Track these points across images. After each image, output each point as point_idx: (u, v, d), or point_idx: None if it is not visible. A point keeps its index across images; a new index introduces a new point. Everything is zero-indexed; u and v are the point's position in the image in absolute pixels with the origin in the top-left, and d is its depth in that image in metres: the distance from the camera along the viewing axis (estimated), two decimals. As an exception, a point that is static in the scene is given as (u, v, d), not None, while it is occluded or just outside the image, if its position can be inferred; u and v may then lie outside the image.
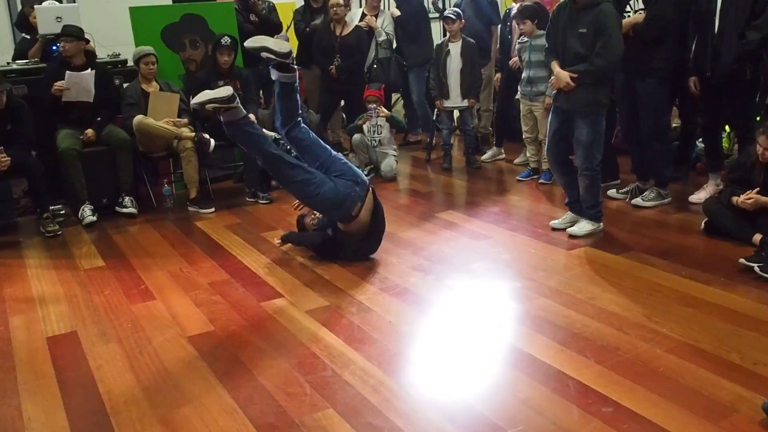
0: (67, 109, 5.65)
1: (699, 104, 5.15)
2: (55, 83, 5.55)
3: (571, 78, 4.39)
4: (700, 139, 5.67)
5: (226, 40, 6.02)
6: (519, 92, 6.18)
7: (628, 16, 4.90)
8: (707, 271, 3.92)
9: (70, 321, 3.78)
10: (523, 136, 6.21)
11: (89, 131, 5.65)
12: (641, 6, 4.85)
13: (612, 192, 5.42)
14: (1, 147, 5.06)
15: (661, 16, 4.74)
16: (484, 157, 6.88)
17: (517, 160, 6.66)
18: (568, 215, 4.83)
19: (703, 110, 5.14)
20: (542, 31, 5.68)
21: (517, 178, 6.21)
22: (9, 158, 5.07)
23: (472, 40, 6.47)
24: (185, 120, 5.89)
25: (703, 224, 4.55)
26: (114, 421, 2.81)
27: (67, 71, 5.56)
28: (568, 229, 4.71)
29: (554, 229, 4.79)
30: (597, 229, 4.68)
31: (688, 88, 5.00)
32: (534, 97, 5.91)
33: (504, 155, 6.89)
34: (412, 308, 3.72)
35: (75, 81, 5.57)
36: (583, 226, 4.66)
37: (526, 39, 5.88)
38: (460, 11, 6.57)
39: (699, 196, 5.10)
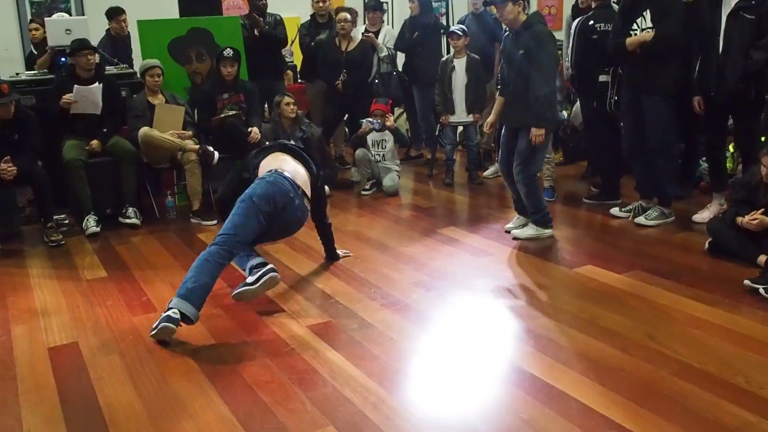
0: (73, 120, 5.67)
1: (703, 123, 5.16)
2: (63, 96, 5.58)
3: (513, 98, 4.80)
4: (704, 158, 5.67)
5: (228, 51, 6.06)
6: None
7: (635, 33, 4.90)
8: (711, 292, 3.91)
9: (72, 331, 3.78)
10: None
11: (95, 142, 5.67)
12: (649, 24, 4.83)
13: (615, 210, 5.43)
14: (8, 156, 5.09)
15: (670, 35, 4.75)
16: (486, 173, 6.89)
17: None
18: (520, 218, 5.13)
19: (707, 129, 5.15)
20: None
21: None
22: (15, 167, 5.09)
23: (476, 56, 6.51)
24: (190, 132, 5.91)
25: (707, 244, 4.54)
26: (113, 433, 2.80)
27: (76, 85, 5.58)
28: (512, 231, 5.02)
29: (507, 232, 5.12)
30: (542, 235, 4.94)
31: (691, 106, 5.01)
32: None
33: None
34: (413, 325, 3.71)
35: (83, 94, 5.60)
36: (526, 230, 4.98)
37: None
38: (465, 28, 6.61)
39: (703, 216, 5.10)
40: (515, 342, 3.48)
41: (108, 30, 7.31)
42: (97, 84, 5.70)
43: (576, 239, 5.01)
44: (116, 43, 7.20)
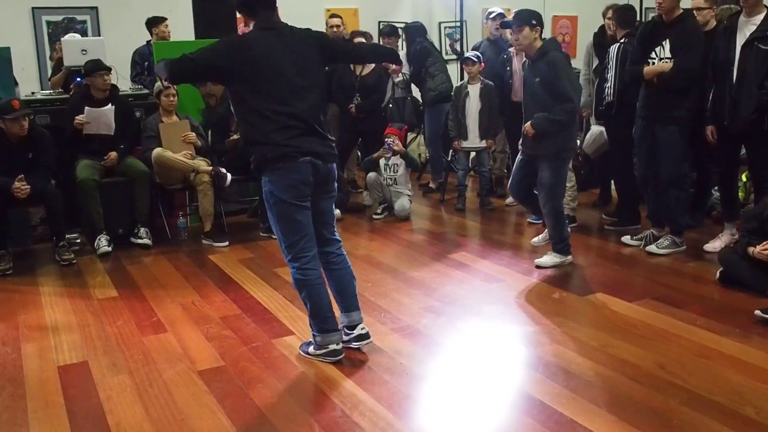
0: (87, 141, 5.73)
1: (716, 153, 5.15)
2: (76, 117, 5.64)
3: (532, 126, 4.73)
4: (716, 188, 5.66)
5: None
6: None
7: (654, 62, 4.90)
8: (722, 322, 3.88)
9: (82, 351, 3.79)
10: None
11: (112, 154, 5.74)
12: (667, 54, 4.83)
13: (626, 238, 5.41)
14: (22, 175, 5.14)
15: (689, 68, 4.75)
16: (508, 200, 6.82)
17: None
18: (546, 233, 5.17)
19: (720, 159, 5.14)
20: None
21: (528, 220, 6.20)
22: (29, 186, 5.14)
23: (491, 83, 6.54)
24: (193, 136, 5.95)
25: (718, 274, 4.51)
26: (121, 454, 2.80)
27: (87, 107, 5.64)
28: (536, 261, 5.01)
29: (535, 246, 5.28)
30: (564, 263, 4.96)
31: (705, 136, 5.00)
32: None
33: None
34: (423, 350, 3.70)
35: (94, 116, 5.66)
36: (550, 259, 4.96)
37: None
38: (479, 54, 6.65)
39: (714, 245, 5.08)
40: (525, 369, 3.46)
41: (148, 42, 7.39)
42: (109, 106, 5.76)
43: (587, 267, 5.00)
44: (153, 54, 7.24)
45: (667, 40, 4.84)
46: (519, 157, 5.03)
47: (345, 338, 3.65)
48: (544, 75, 4.63)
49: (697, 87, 4.89)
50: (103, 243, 5.54)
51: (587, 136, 6.07)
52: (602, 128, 6.00)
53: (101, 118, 5.70)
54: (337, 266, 3.69)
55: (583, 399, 3.10)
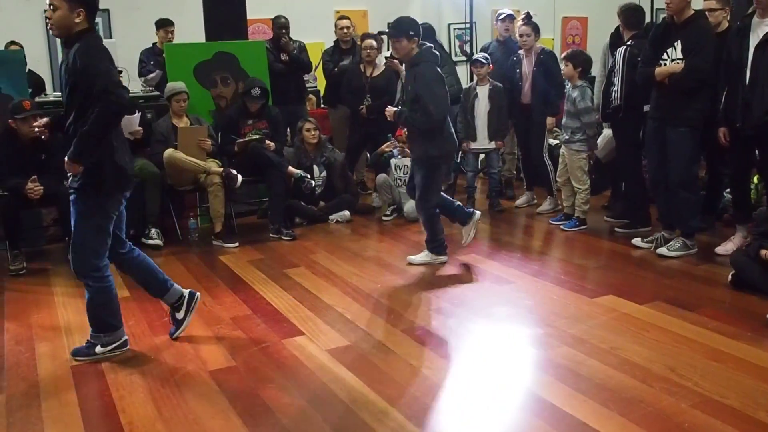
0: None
1: (727, 155, 5.13)
2: None
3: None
4: (728, 190, 5.64)
5: (256, 91, 6.12)
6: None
7: (665, 63, 4.89)
8: (734, 325, 3.87)
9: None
10: (557, 180, 6.21)
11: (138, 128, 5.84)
12: (679, 55, 4.82)
13: (637, 240, 5.40)
14: (35, 176, 5.17)
15: (700, 69, 4.73)
16: (518, 202, 6.85)
17: (540, 209, 6.61)
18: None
19: (732, 161, 5.12)
20: (582, 82, 5.74)
21: (550, 221, 6.20)
22: (41, 187, 5.17)
23: (499, 84, 6.54)
24: (209, 142, 5.98)
25: (730, 277, 4.49)
26: (134, 453, 2.82)
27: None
28: (408, 257, 5.19)
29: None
30: (435, 261, 5.13)
31: (716, 138, 4.98)
32: (565, 143, 5.93)
33: (536, 200, 6.83)
34: (433, 351, 3.71)
35: (125, 124, 5.69)
36: (422, 258, 5.16)
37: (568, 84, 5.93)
38: (488, 56, 6.66)
39: (726, 248, 5.06)
40: (535, 371, 3.47)
41: (154, 44, 7.44)
42: (137, 113, 5.82)
43: (597, 269, 5.00)
44: (159, 54, 7.30)
45: (679, 41, 4.83)
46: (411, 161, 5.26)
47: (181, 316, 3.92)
48: (413, 85, 4.79)
49: (709, 88, 4.85)
50: (113, 243, 5.57)
51: (599, 139, 6.05)
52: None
53: (130, 126, 5.74)
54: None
55: (593, 401, 3.09)
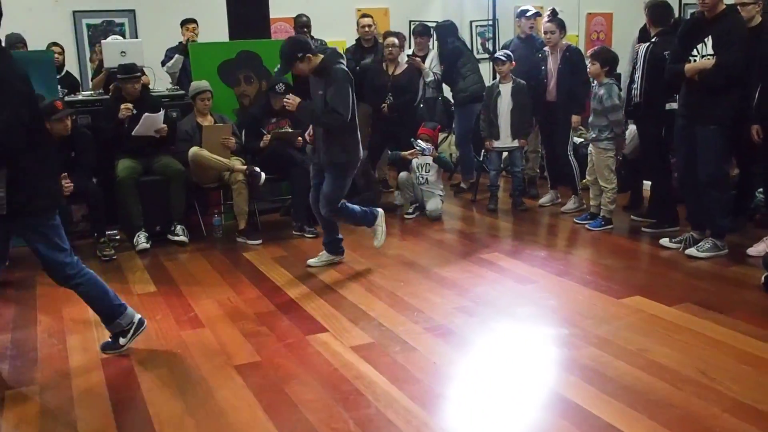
0: (128, 141, 5.82)
1: (759, 153, 5.04)
2: (123, 105, 5.76)
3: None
4: (760, 190, 5.54)
5: (280, 87, 6.14)
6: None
7: (695, 60, 4.82)
8: (766, 328, 3.79)
9: (123, 344, 3.87)
10: (586, 178, 6.17)
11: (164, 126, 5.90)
12: (710, 51, 4.74)
13: (664, 241, 5.33)
14: (65, 173, 5.24)
15: (731, 65, 4.63)
16: (542, 201, 6.83)
17: (565, 207, 6.57)
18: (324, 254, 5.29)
19: (764, 159, 5.02)
20: (608, 80, 5.70)
21: (575, 220, 6.16)
22: (72, 184, 5.24)
23: (522, 81, 6.51)
24: (233, 140, 6.03)
25: (762, 279, 4.40)
26: (162, 445, 2.86)
27: (145, 114, 5.75)
28: (308, 261, 5.23)
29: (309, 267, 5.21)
30: (334, 260, 5.23)
31: (748, 136, 4.89)
32: (592, 141, 5.89)
33: (560, 199, 6.80)
34: (455, 350, 3.71)
35: (150, 121, 5.76)
36: (320, 259, 5.23)
37: (594, 83, 5.90)
38: (510, 53, 6.63)
39: (758, 249, 4.96)
40: (559, 371, 3.45)
41: (180, 42, 7.50)
42: (161, 111, 5.88)
43: (623, 269, 4.95)
44: (182, 51, 7.35)
45: (710, 37, 4.72)
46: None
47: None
48: (325, 89, 4.79)
49: (740, 85, 4.76)
50: (141, 240, 5.65)
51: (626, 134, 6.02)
52: (639, 128, 5.97)
53: (154, 124, 5.80)
54: None
55: (620, 403, 3.07)
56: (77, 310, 4.40)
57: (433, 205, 6.44)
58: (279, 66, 5.11)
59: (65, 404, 3.22)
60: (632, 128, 6.05)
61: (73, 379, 3.47)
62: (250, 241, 5.82)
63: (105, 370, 3.54)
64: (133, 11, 8.84)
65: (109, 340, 3.75)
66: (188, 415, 3.07)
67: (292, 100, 4.94)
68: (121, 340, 3.71)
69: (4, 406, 3.24)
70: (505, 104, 6.53)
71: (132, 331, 3.73)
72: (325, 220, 5.13)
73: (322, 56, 4.83)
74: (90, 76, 8.14)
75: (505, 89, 6.52)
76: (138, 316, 3.78)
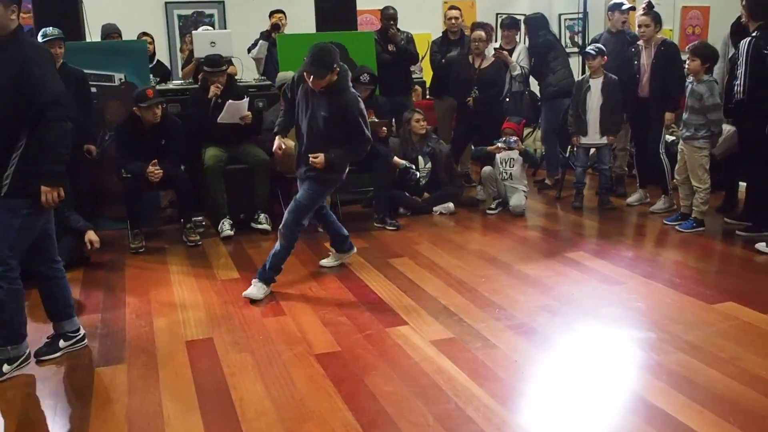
0: (215, 129, 5.95)
1: None
2: (213, 85, 5.90)
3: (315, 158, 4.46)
4: None
5: (365, 78, 6.16)
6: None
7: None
8: None
9: (207, 327, 3.97)
10: (675, 178, 5.96)
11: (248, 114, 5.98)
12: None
13: (761, 245, 5.07)
14: (155, 160, 5.41)
15: None
16: (630, 199, 6.62)
17: (654, 207, 6.34)
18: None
19: None
20: (708, 77, 5.48)
21: (664, 221, 5.95)
22: (161, 171, 5.40)
23: (614, 76, 6.32)
24: None
25: None
26: (244, 427, 2.92)
27: (229, 101, 5.86)
28: (321, 261, 5.06)
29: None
30: (344, 258, 5.05)
31: None
32: (685, 140, 5.68)
33: (649, 198, 6.57)
34: (538, 349, 3.64)
35: (235, 108, 5.88)
36: (332, 258, 5.06)
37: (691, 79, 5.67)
38: (602, 47, 6.44)
39: None
40: (646, 376, 3.33)
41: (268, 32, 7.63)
42: (245, 99, 5.99)
43: (716, 273, 4.76)
44: (267, 38, 7.47)
45: None
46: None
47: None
48: (334, 112, 4.40)
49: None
50: (226, 227, 5.78)
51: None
52: (734, 128, 5.71)
53: (239, 111, 5.91)
54: None
55: (711, 413, 2.94)
56: (163, 293, 4.56)
57: (516, 200, 6.33)
58: (309, 65, 4.30)
59: (151, 384, 3.32)
60: (726, 128, 5.78)
61: (159, 360, 3.59)
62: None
63: (189, 353, 3.64)
64: (222, 2, 9.06)
65: None
66: (269, 400, 3.12)
67: (318, 161, 4.42)
68: (5, 367, 3.43)
69: (94, 382, 3.38)
70: (594, 99, 6.36)
71: (18, 364, 3.48)
72: (286, 232, 4.54)
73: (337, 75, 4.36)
74: (180, 66, 8.38)
75: (596, 84, 6.35)
76: (27, 351, 3.55)
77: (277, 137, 4.71)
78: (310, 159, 4.42)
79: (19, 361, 3.48)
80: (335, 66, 4.31)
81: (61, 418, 3.08)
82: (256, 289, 4.40)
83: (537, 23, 7.25)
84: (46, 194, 3.30)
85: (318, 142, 4.48)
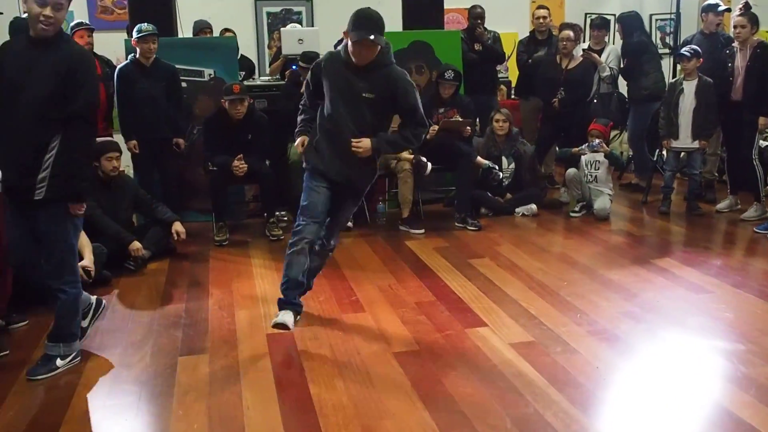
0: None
1: None
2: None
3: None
4: None
5: (449, 74, 6.15)
6: None
7: None
8: None
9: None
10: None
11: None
12: None
13: None
14: (241, 155, 5.55)
15: None
16: (720, 206, 6.39)
17: (745, 215, 6.07)
18: None
19: None
20: None
21: (755, 229, 5.72)
22: (246, 165, 5.54)
23: (709, 79, 6.11)
24: None
25: None
26: (322, 422, 2.95)
27: None
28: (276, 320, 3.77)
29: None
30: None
31: None
32: None
33: (740, 205, 6.32)
34: (620, 357, 3.55)
35: None
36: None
37: None
38: (697, 49, 6.23)
39: None
40: (732, 389, 3.21)
41: None
42: None
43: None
44: None
45: None
46: (322, 185, 3.86)
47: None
48: (380, 91, 3.69)
49: None
50: (308, 222, 5.87)
51: None
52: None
53: None
54: None
55: (806, 432, 2.82)
56: (246, 286, 4.67)
57: (600, 204, 6.20)
58: (362, 28, 3.59)
59: (232, 375, 3.40)
60: None
61: (240, 352, 3.66)
62: (412, 230, 5.88)
63: (270, 347, 3.70)
64: (310, 0, 9.18)
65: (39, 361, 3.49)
66: (346, 396, 3.16)
67: (363, 146, 3.72)
68: (59, 362, 3.47)
69: (177, 370, 3.48)
70: (687, 103, 6.16)
71: (71, 359, 3.52)
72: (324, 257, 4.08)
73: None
74: (268, 62, 8.56)
75: (689, 87, 6.15)
76: (79, 349, 3.58)
77: (300, 137, 3.94)
78: (353, 145, 3.69)
79: (71, 357, 3.53)
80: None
81: (145, 404, 3.18)
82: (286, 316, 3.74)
83: (632, 22, 7.04)
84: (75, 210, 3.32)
85: (360, 130, 3.74)
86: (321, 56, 3.95)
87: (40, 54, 3.19)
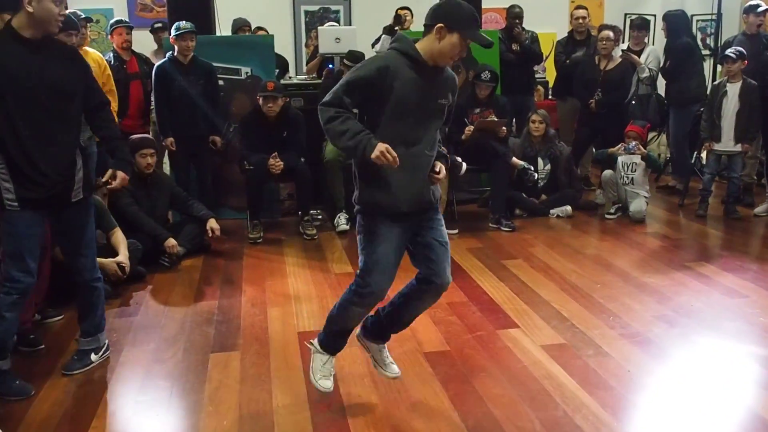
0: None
1: None
2: None
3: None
4: None
5: (486, 75, 6.13)
6: None
7: None
8: None
9: (320, 319, 4.01)
10: None
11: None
12: None
13: None
14: (276, 152, 5.60)
15: None
16: (757, 210, 6.27)
17: None
18: None
19: None
20: None
21: None
22: (281, 163, 5.59)
23: (753, 81, 6.00)
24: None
25: None
26: (350, 422, 2.98)
27: None
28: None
29: None
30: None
31: None
32: None
33: None
34: (653, 360, 3.52)
35: None
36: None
37: None
38: (742, 50, 6.12)
39: None
40: (767, 395, 3.16)
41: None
42: None
43: None
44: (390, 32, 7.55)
45: None
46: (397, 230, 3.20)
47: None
48: (448, 96, 2.95)
49: None
50: (342, 221, 5.91)
51: None
52: None
53: None
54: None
55: (841, 440, 2.77)
56: (278, 284, 4.71)
57: (636, 206, 6.13)
58: (472, 23, 2.90)
59: (263, 372, 3.44)
60: None
61: (271, 349, 3.71)
62: (447, 230, 5.85)
63: (301, 344, 3.73)
64: (348, -1, 9.24)
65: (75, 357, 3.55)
66: (376, 396, 3.18)
67: (443, 175, 3.04)
68: (93, 357, 3.54)
69: (208, 367, 3.53)
70: (731, 105, 6.06)
71: (103, 353, 3.60)
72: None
73: None
74: (305, 61, 8.62)
75: (733, 89, 6.05)
76: (107, 341, 3.66)
77: (380, 143, 2.71)
78: (434, 178, 3.01)
79: (103, 350, 3.61)
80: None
81: (176, 400, 3.23)
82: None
83: (679, 21, 6.88)
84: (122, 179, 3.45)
85: (431, 145, 3.00)
86: (374, 57, 3.32)
87: (41, 55, 3.09)
